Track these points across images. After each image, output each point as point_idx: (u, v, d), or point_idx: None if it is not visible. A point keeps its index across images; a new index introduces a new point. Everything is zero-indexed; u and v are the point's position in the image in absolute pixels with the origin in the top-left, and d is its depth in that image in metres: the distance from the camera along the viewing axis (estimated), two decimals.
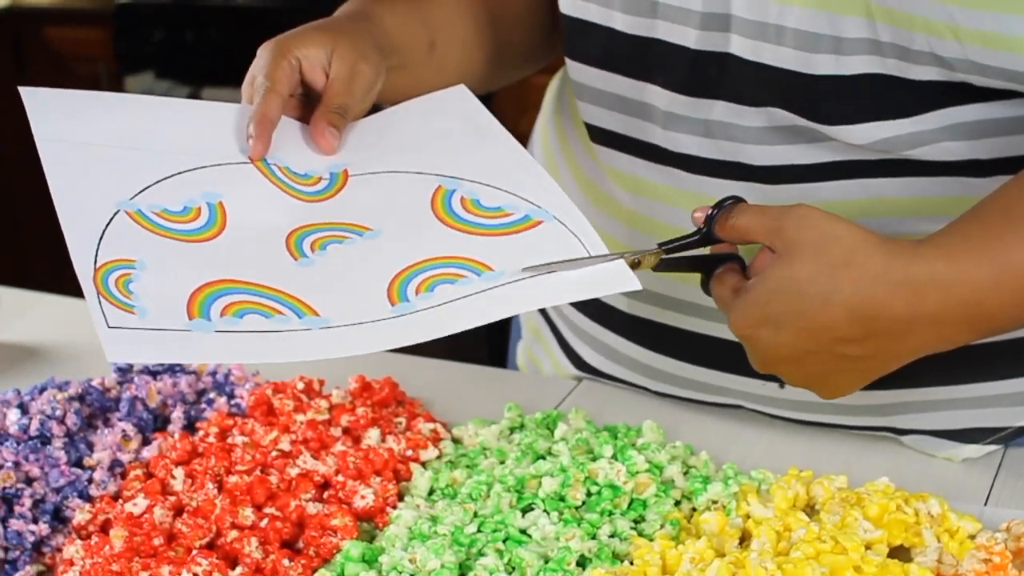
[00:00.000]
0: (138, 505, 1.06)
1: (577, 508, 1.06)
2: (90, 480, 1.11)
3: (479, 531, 1.03)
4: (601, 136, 1.21)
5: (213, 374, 1.27)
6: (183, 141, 1.09)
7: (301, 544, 1.04)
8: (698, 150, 1.13)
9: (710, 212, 1.02)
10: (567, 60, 1.22)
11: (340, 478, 1.09)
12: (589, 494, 1.06)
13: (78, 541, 1.04)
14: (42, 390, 1.21)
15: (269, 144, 1.09)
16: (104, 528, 1.07)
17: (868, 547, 0.97)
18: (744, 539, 1.01)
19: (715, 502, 1.06)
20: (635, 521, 1.05)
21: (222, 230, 1.04)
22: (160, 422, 1.21)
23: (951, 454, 1.18)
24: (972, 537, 1.00)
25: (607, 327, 1.29)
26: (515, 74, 1.39)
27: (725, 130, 1.11)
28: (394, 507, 1.08)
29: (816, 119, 1.06)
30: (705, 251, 1.05)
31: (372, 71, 1.13)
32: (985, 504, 1.11)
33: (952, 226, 0.97)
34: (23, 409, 1.17)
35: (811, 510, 1.04)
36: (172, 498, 1.07)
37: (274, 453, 1.12)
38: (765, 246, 1.00)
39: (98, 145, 1.07)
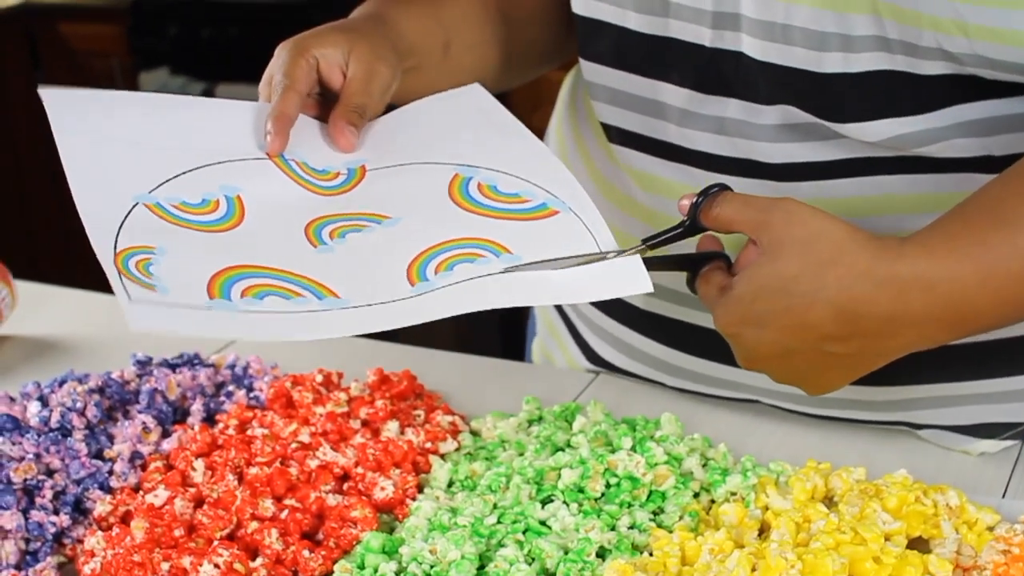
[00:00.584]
0: (159, 496, 1.06)
1: (596, 500, 1.06)
2: (111, 472, 1.12)
3: (499, 522, 1.03)
4: (617, 136, 1.21)
5: (232, 367, 1.28)
6: (201, 138, 1.10)
7: (321, 535, 1.05)
8: (713, 148, 1.13)
9: (695, 200, 1.02)
10: (581, 60, 1.22)
11: (360, 470, 1.10)
12: (608, 486, 1.07)
13: (99, 532, 1.05)
14: (62, 383, 1.21)
15: (287, 140, 1.09)
16: (125, 519, 1.07)
17: (887, 538, 0.97)
18: (763, 531, 1.01)
19: (734, 494, 1.06)
20: (654, 513, 1.06)
21: (240, 221, 1.04)
22: (180, 414, 1.21)
23: (968, 448, 1.18)
24: (991, 529, 1.01)
25: (623, 323, 1.29)
26: (531, 73, 1.40)
27: (739, 128, 1.11)
28: (413, 499, 1.09)
29: (828, 117, 1.07)
30: (691, 249, 1.05)
31: (389, 72, 1.14)
32: (1003, 497, 1.11)
33: (937, 224, 0.97)
34: (43, 401, 1.18)
35: (829, 502, 1.04)
36: (192, 490, 1.08)
37: (294, 445, 1.12)
38: (750, 240, 0.99)
39: (116, 142, 1.07)
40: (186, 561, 0.99)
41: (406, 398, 1.23)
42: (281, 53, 1.13)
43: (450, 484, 1.11)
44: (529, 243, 1.03)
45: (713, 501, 1.07)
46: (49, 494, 1.08)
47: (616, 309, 1.30)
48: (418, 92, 1.20)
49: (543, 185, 1.09)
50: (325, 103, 1.15)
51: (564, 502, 1.05)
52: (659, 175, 1.17)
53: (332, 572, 1.00)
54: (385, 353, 1.38)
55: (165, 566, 0.99)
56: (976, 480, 1.14)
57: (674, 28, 1.12)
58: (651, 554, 1.00)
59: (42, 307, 1.52)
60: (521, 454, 1.13)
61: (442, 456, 1.15)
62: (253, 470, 1.09)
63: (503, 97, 1.23)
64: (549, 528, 1.03)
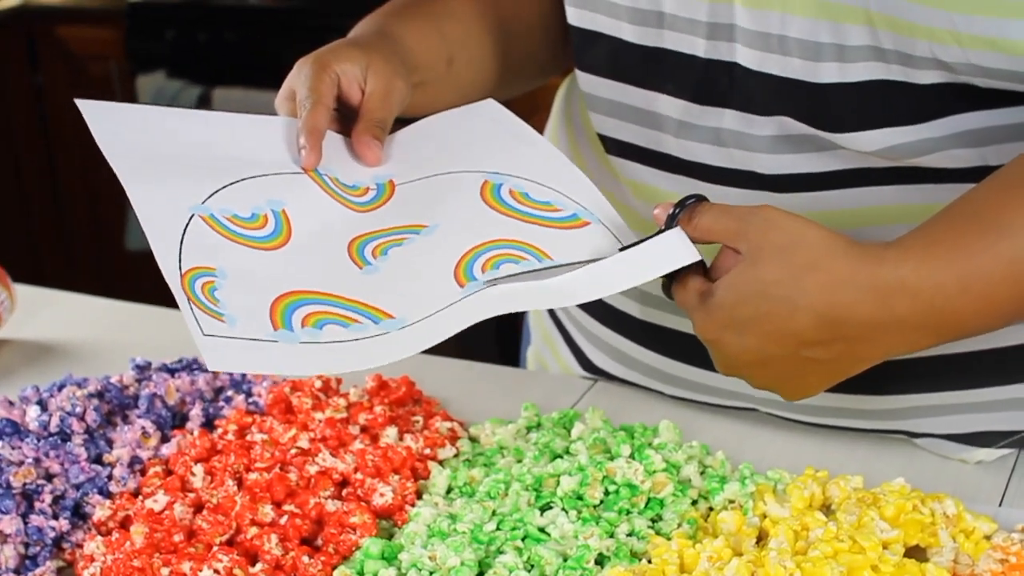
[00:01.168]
0: (158, 502, 1.07)
1: (595, 507, 1.06)
2: (110, 476, 1.12)
3: (498, 529, 1.03)
4: (615, 147, 1.21)
5: (231, 372, 1.28)
6: (237, 152, 1.10)
7: (320, 541, 1.05)
8: (710, 159, 1.13)
9: (672, 211, 1.01)
10: (577, 71, 1.22)
11: (359, 476, 1.10)
12: (607, 493, 1.07)
13: (99, 537, 1.05)
14: (61, 387, 1.21)
15: (321, 155, 1.10)
16: (124, 524, 1.08)
17: (885, 547, 0.97)
18: (761, 538, 1.02)
19: (732, 501, 1.06)
20: (652, 520, 1.06)
21: (288, 238, 1.05)
22: (179, 419, 1.22)
23: (965, 457, 1.18)
24: (988, 537, 1.01)
25: (619, 332, 1.29)
26: (529, 84, 1.40)
27: (736, 139, 1.12)
28: (412, 505, 1.09)
29: (824, 127, 1.07)
30: None
31: (405, 86, 1.15)
32: (1000, 505, 1.11)
33: (919, 230, 0.97)
34: (43, 406, 1.18)
35: (827, 510, 1.05)
36: (192, 495, 1.08)
37: (293, 451, 1.12)
38: (727, 247, 0.99)
39: (162, 153, 1.07)
40: (186, 566, 0.99)
41: (405, 404, 1.23)
42: (303, 68, 1.13)
43: (449, 490, 1.11)
44: (567, 251, 1.04)
45: (711, 509, 1.07)
46: (48, 498, 1.08)
47: (611, 318, 1.30)
48: (423, 107, 1.20)
49: (571, 196, 1.10)
50: (341, 119, 1.16)
51: (563, 509, 1.05)
52: (657, 186, 1.18)
53: None
54: None
55: (165, 571, 0.99)
56: (973, 488, 1.14)
57: (668, 39, 1.12)
58: (649, 561, 1.00)
59: (41, 311, 1.52)
60: (519, 461, 1.13)
61: (441, 462, 1.15)
62: (252, 475, 1.09)
63: (503, 103, 1.24)
64: (548, 535, 1.03)
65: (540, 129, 1.44)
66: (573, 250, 1.04)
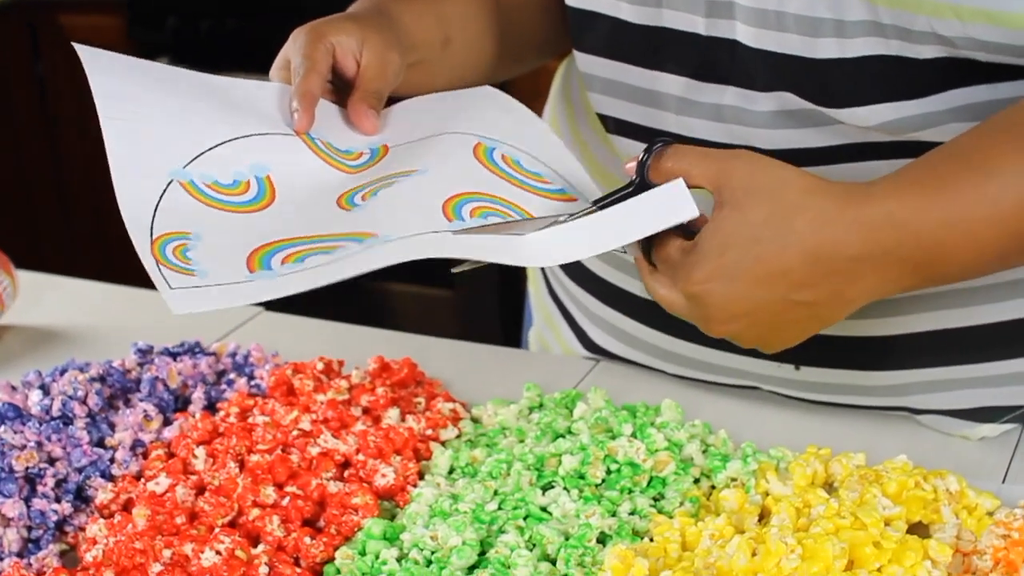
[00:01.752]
0: (160, 484, 1.07)
1: (597, 486, 1.06)
2: (112, 460, 1.12)
3: (500, 508, 1.03)
4: (615, 126, 1.21)
5: (233, 355, 1.28)
6: (230, 112, 1.10)
7: (322, 522, 1.05)
8: (711, 135, 1.13)
9: (642, 157, 0.99)
10: (575, 52, 1.22)
11: (361, 457, 1.10)
12: (609, 472, 1.07)
13: (101, 520, 1.05)
14: (63, 371, 1.21)
15: (313, 118, 1.10)
16: (126, 507, 1.08)
17: (887, 523, 0.97)
18: (763, 516, 1.02)
19: (734, 480, 1.06)
20: (655, 499, 1.06)
21: (271, 202, 1.05)
22: (181, 403, 1.22)
23: (968, 433, 1.18)
24: (990, 514, 1.01)
25: (621, 311, 1.29)
26: (527, 65, 1.40)
27: (736, 115, 1.11)
28: (414, 486, 1.09)
29: (824, 103, 1.07)
30: None
31: (400, 61, 1.15)
32: (1003, 482, 1.11)
33: (907, 168, 0.97)
34: (45, 390, 1.18)
35: (829, 488, 1.05)
36: (194, 477, 1.08)
37: (295, 432, 1.12)
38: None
39: (154, 110, 1.07)
40: (188, 548, 0.99)
41: (407, 386, 1.23)
42: (298, 37, 1.13)
43: (451, 471, 1.11)
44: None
45: (713, 487, 1.07)
46: (51, 482, 1.08)
47: (613, 297, 1.30)
48: (419, 86, 1.20)
49: (562, 175, 1.10)
50: (335, 90, 1.16)
51: (565, 488, 1.05)
52: None
53: (333, 559, 1.01)
54: (385, 341, 1.38)
55: (167, 553, 0.99)
56: (976, 465, 1.14)
57: (667, 18, 1.12)
58: (651, 540, 1.00)
59: (43, 296, 1.52)
60: (522, 441, 1.13)
61: (443, 443, 1.15)
62: (254, 457, 1.09)
63: (502, 87, 1.24)
64: (550, 514, 1.03)
65: (540, 113, 1.44)
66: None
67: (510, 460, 1.09)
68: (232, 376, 1.24)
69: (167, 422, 1.18)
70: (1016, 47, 0.97)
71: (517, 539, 0.99)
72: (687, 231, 0.99)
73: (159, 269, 0.95)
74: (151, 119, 1.06)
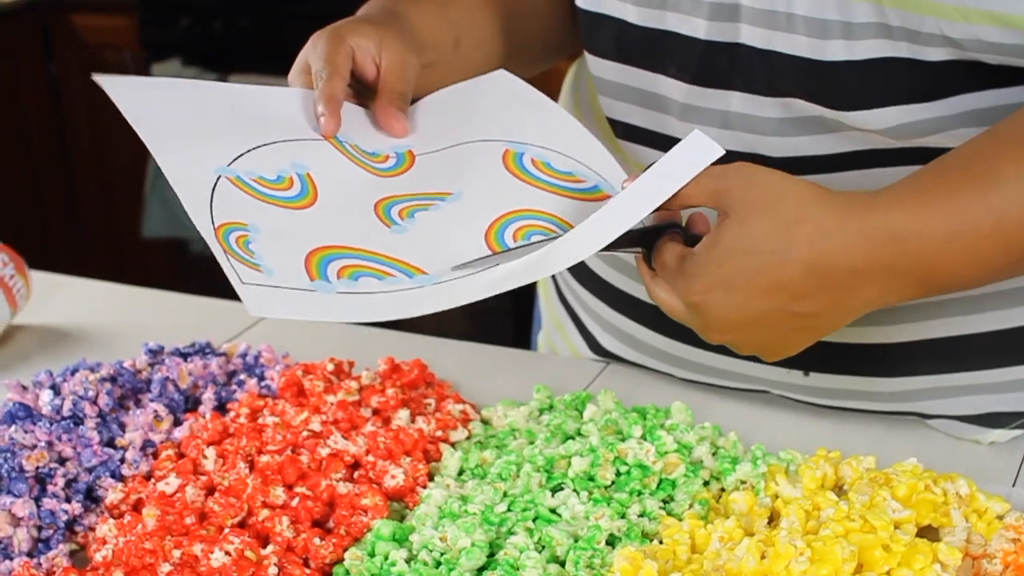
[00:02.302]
0: (170, 484, 1.07)
1: (606, 488, 1.06)
2: (122, 460, 1.12)
3: (509, 510, 1.03)
4: (623, 131, 1.21)
5: (243, 356, 1.28)
6: (257, 120, 1.10)
7: (332, 523, 1.05)
8: (717, 141, 1.13)
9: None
10: (586, 55, 1.22)
11: (370, 458, 1.10)
12: (618, 474, 1.07)
13: (111, 520, 1.05)
14: (74, 371, 1.22)
15: (340, 121, 1.10)
16: (136, 507, 1.08)
17: (897, 527, 0.97)
18: (772, 519, 1.02)
19: (744, 482, 1.06)
20: (664, 501, 1.06)
21: (315, 199, 1.05)
22: (191, 403, 1.22)
23: (978, 438, 1.18)
24: (1000, 517, 1.01)
25: (630, 316, 1.29)
26: (536, 67, 1.39)
27: (744, 122, 1.11)
28: (424, 487, 1.09)
29: (832, 106, 1.06)
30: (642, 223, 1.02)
31: (417, 63, 1.15)
32: (1013, 486, 1.11)
33: (911, 178, 0.96)
34: (56, 390, 1.18)
35: (839, 490, 1.05)
36: (204, 478, 1.08)
37: (305, 433, 1.12)
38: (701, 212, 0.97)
39: (186, 122, 1.07)
40: (197, 548, 0.99)
41: (417, 387, 1.23)
42: (318, 42, 1.13)
43: (460, 472, 1.11)
44: None
45: (723, 489, 1.07)
46: (61, 482, 1.08)
47: (621, 302, 1.30)
48: (431, 88, 1.20)
49: (592, 166, 1.10)
50: (356, 93, 1.16)
51: (574, 490, 1.05)
52: None
53: (343, 560, 1.01)
54: (396, 342, 1.38)
55: (176, 553, 1.00)
56: (986, 469, 1.14)
57: (671, 20, 1.12)
58: (661, 542, 1.00)
59: (55, 297, 1.52)
60: (531, 442, 1.13)
61: (453, 444, 1.15)
62: (264, 458, 1.09)
63: None
64: (559, 516, 1.03)
65: None
66: None
67: (520, 462, 1.09)
68: (242, 377, 1.25)
69: (177, 422, 1.18)
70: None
71: (526, 541, 0.99)
72: (687, 236, 0.99)
73: (228, 260, 0.95)
74: (188, 127, 1.07)
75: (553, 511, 1.04)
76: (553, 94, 1.46)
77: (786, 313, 0.96)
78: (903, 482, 1.01)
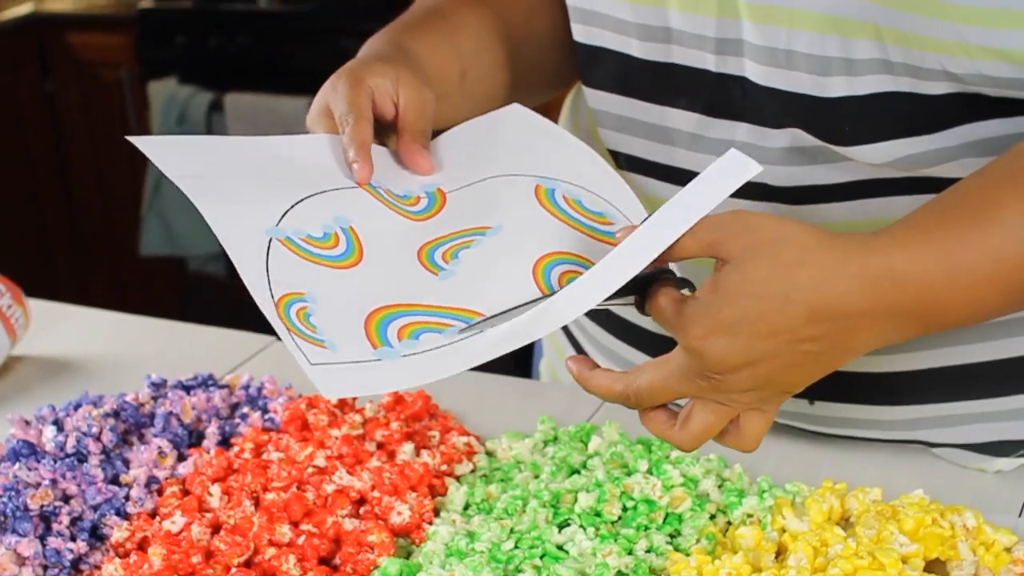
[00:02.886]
0: (176, 523, 1.07)
1: (613, 523, 1.06)
2: (127, 497, 1.12)
3: (516, 547, 1.03)
4: (626, 162, 1.21)
5: (246, 387, 1.28)
6: (292, 171, 1.08)
7: (338, 561, 1.05)
8: None
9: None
10: (584, 88, 1.22)
11: (376, 494, 1.10)
12: (625, 509, 1.07)
13: (117, 559, 1.05)
14: (77, 406, 1.21)
15: (372, 168, 1.09)
16: (142, 546, 1.08)
17: (905, 561, 0.97)
18: (780, 553, 1.01)
19: (750, 515, 1.06)
20: (671, 536, 1.06)
21: (361, 256, 1.03)
22: (195, 437, 1.21)
23: (983, 466, 1.18)
24: (1008, 550, 1.01)
25: (632, 345, 1.29)
26: (543, 96, 1.39)
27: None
28: (430, 523, 1.09)
29: (834, 141, 1.06)
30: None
31: (434, 98, 1.14)
32: (1020, 515, 1.11)
33: (910, 218, 0.96)
34: (59, 426, 1.18)
35: (846, 522, 1.04)
36: (209, 515, 1.08)
37: (310, 469, 1.12)
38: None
39: (229, 180, 1.05)
40: None
41: (421, 419, 1.23)
42: (338, 84, 1.12)
43: (466, 507, 1.11)
44: None
45: (730, 523, 1.07)
46: (66, 520, 1.08)
47: (622, 329, 1.29)
48: (439, 121, 1.19)
49: (618, 207, 1.09)
50: (375, 133, 1.15)
51: (581, 526, 1.05)
52: (668, 199, 1.17)
53: None
54: None
55: None
56: (992, 498, 1.13)
57: (677, 54, 1.11)
58: None
59: (56, 326, 1.52)
60: (537, 476, 1.13)
61: (458, 478, 1.15)
62: (270, 495, 1.09)
63: None
64: (566, 553, 1.03)
65: None
66: None
67: (525, 497, 1.09)
68: (246, 410, 1.24)
69: (181, 458, 1.18)
70: None
71: None
72: (680, 283, 0.98)
73: (293, 339, 0.93)
74: (232, 187, 1.05)
75: (560, 547, 1.03)
76: (553, 116, 1.46)
77: (789, 353, 0.95)
78: (910, 515, 1.01)
